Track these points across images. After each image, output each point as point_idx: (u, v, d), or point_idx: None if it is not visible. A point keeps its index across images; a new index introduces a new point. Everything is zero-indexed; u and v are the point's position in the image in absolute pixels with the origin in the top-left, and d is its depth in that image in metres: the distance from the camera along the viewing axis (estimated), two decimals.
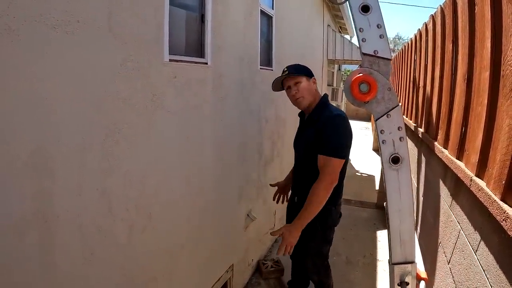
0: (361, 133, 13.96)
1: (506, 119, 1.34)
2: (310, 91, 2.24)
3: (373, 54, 1.75)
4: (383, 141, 1.77)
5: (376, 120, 1.78)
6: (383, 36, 1.74)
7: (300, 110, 2.43)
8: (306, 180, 2.14)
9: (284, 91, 2.39)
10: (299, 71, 2.24)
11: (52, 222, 1.23)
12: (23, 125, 1.11)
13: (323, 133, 2.06)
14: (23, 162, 1.12)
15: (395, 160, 1.76)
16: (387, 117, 1.77)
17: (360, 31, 1.74)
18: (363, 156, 9.19)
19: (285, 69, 2.27)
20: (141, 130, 1.64)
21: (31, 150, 1.14)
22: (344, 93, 1.87)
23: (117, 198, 1.53)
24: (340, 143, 2.07)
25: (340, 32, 11.08)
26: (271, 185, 2.82)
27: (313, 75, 2.30)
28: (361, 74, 1.75)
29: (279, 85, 2.36)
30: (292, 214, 2.59)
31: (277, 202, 2.74)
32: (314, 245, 2.35)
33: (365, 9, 1.73)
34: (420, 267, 1.98)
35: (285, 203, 2.75)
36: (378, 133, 1.77)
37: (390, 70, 1.78)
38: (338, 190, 2.26)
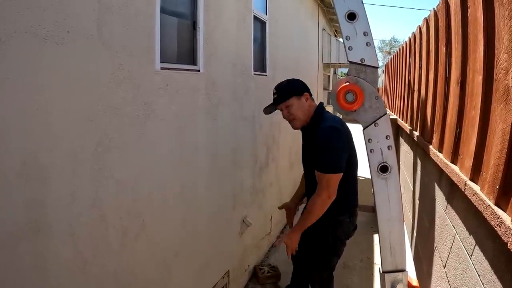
0: (359, 136, 13.94)
1: (500, 123, 1.33)
2: (303, 110, 2.14)
3: (360, 62, 1.74)
4: (371, 150, 1.76)
5: (364, 129, 1.77)
6: (370, 44, 1.72)
7: None
8: None
9: None
10: (286, 96, 2.13)
11: (45, 231, 1.23)
12: (15, 135, 1.11)
13: (316, 148, 2.03)
14: (16, 171, 1.12)
15: (384, 169, 1.75)
16: (375, 126, 1.76)
17: (346, 39, 1.72)
18: (360, 159, 9.18)
19: (275, 91, 2.18)
20: (133, 138, 1.64)
21: (24, 160, 1.14)
22: (331, 103, 1.85)
23: (110, 206, 1.53)
24: (332, 158, 2.01)
25: (335, 36, 11.13)
26: (279, 207, 2.67)
27: (304, 91, 2.15)
28: (347, 83, 1.73)
29: (271, 108, 2.27)
30: None
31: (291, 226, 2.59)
32: (322, 257, 2.29)
33: (352, 16, 1.71)
34: (412, 275, 1.97)
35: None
36: (365, 142, 1.75)
37: (377, 78, 1.77)
38: (352, 200, 2.25)
